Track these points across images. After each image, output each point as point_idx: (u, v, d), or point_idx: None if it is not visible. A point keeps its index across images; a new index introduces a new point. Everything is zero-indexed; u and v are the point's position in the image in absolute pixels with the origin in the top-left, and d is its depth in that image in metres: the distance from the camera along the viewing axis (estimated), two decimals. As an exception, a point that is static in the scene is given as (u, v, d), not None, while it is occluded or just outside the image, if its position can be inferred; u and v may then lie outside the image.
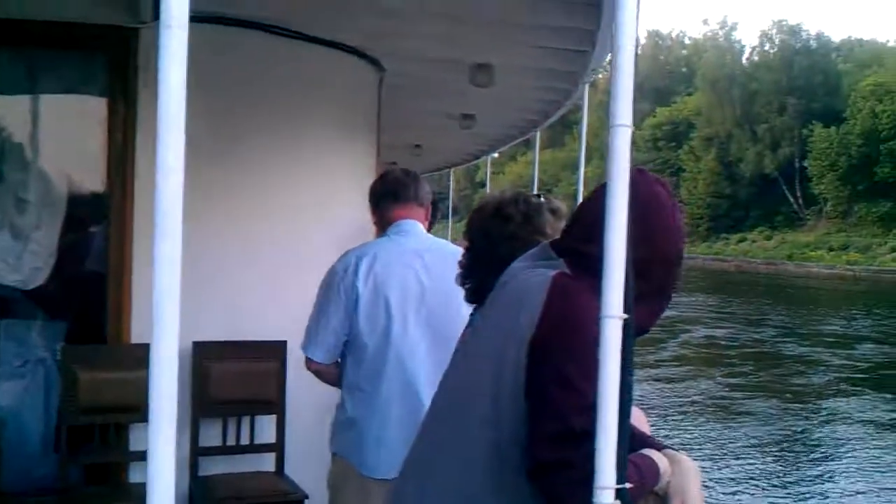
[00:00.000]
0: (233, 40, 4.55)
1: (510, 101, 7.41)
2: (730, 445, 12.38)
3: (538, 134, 9.01)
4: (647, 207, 1.71)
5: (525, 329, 1.69)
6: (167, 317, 1.13)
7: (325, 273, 3.41)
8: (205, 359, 4.56)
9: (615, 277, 1.46)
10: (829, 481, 10.84)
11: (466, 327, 2.45)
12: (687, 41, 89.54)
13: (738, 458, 11.71)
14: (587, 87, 5.82)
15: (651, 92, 79.65)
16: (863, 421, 14.00)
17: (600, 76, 6.69)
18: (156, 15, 3.73)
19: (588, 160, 6.53)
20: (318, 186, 5.07)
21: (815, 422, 14.02)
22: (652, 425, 2.01)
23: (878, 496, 10.19)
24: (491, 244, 2.54)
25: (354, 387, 3.33)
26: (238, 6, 4.38)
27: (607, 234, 1.46)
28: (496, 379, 1.71)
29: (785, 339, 23.71)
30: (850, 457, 11.98)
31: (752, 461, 11.63)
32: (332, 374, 3.45)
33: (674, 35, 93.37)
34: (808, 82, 63.00)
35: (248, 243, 4.72)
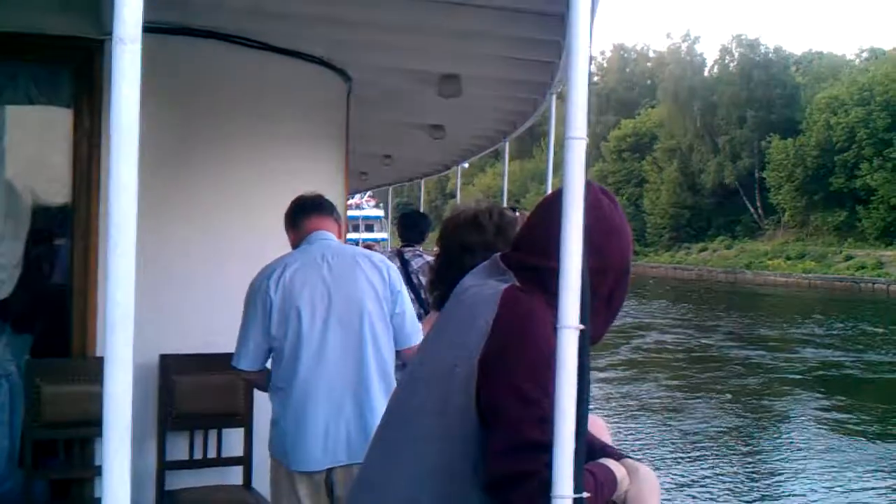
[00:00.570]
0: (196, 51, 4.54)
1: (479, 111, 7.43)
2: (668, 442, 13.24)
3: (507, 144, 9.05)
4: (593, 218, 1.72)
5: (475, 343, 1.69)
6: (122, 330, 1.13)
7: None
8: (172, 372, 4.53)
9: (571, 288, 1.48)
10: (759, 470, 11.86)
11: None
12: (651, 54, 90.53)
13: (675, 452, 12.54)
14: (554, 97, 5.85)
15: (616, 104, 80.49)
16: (790, 417, 15.17)
17: (564, 88, 6.74)
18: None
19: (556, 171, 6.57)
20: (285, 198, 5.04)
21: (749, 419, 14.99)
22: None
23: (796, 477, 11.47)
24: (463, 253, 2.56)
25: (275, 388, 3.55)
26: (201, 17, 4.37)
27: (563, 244, 1.47)
28: (445, 394, 1.71)
29: (731, 344, 24.68)
30: (779, 448, 13.09)
31: (688, 453, 12.55)
32: (261, 379, 3.70)
33: (639, 48, 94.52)
34: (766, 95, 64.16)
35: (215, 256, 4.69)
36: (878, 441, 13.27)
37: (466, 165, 13.56)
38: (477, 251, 2.50)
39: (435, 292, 2.69)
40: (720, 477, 11.32)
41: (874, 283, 46.81)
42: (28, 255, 4.49)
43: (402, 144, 10.34)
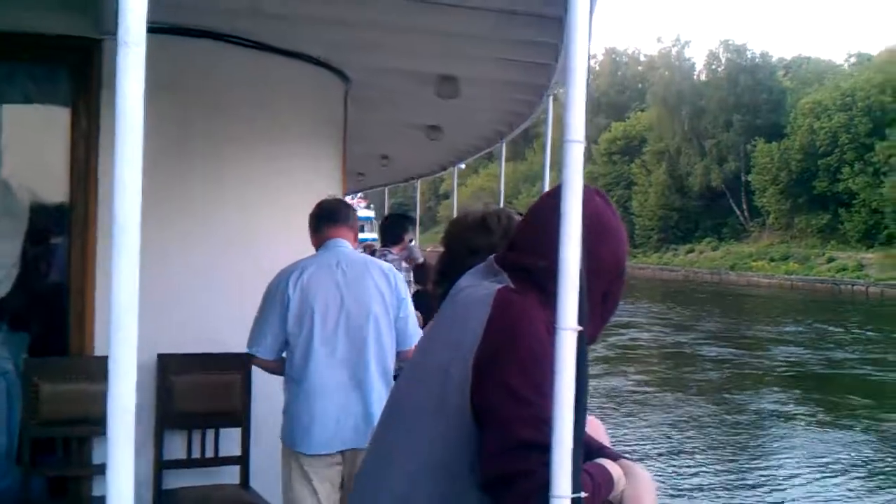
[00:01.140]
0: (195, 51, 4.55)
1: (476, 112, 7.45)
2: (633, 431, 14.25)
3: (504, 146, 9.06)
4: (587, 219, 1.73)
5: (470, 344, 1.70)
6: (126, 330, 1.14)
7: None
8: (169, 371, 4.54)
9: (570, 290, 1.49)
10: (710, 456, 12.98)
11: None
12: (643, 58, 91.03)
13: (641, 440, 13.52)
14: (551, 99, 5.87)
15: (607, 107, 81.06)
16: (747, 409, 16.24)
17: (561, 90, 6.76)
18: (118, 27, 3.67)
19: (551, 172, 6.62)
20: (283, 198, 5.07)
21: (710, 411, 16.08)
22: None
23: (743, 461, 12.70)
24: (468, 255, 2.56)
25: (289, 378, 3.96)
26: (200, 17, 4.38)
27: (561, 247, 1.48)
28: (441, 395, 1.72)
29: (706, 342, 25.43)
30: (731, 437, 14.23)
31: (654, 441, 13.60)
32: (276, 367, 4.05)
33: (630, 52, 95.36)
34: (752, 99, 64.86)
35: (212, 256, 4.71)
36: (828, 430, 14.47)
37: (463, 166, 13.59)
38: (482, 253, 2.51)
39: (438, 292, 2.70)
40: (678, 461, 12.49)
41: (853, 285, 47.91)
42: (25, 254, 4.50)
43: (399, 145, 10.36)
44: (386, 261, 6.35)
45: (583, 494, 1.49)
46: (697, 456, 12.88)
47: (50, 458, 4.33)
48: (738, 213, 64.93)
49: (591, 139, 71.67)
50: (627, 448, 12.22)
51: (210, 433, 4.65)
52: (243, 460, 4.67)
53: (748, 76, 65.97)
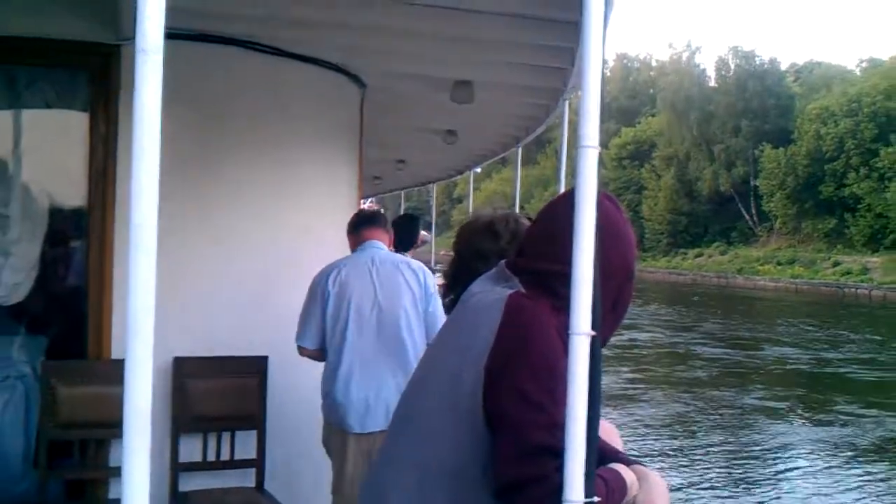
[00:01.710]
0: (212, 57, 4.58)
1: (492, 117, 7.45)
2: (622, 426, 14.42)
3: (520, 150, 9.06)
4: (598, 224, 1.73)
5: (481, 349, 1.70)
6: (142, 333, 1.15)
7: (306, 288, 4.45)
8: (185, 374, 4.56)
9: (583, 295, 1.49)
10: (693, 445, 13.78)
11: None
12: (654, 64, 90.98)
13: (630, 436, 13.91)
14: (567, 103, 5.86)
15: (618, 113, 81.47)
16: (732, 405, 16.94)
17: (576, 94, 6.76)
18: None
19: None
20: (300, 202, 5.09)
21: (694, 407, 16.75)
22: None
23: (721, 452, 13.38)
24: (477, 259, 2.56)
25: (328, 365, 4.39)
26: (217, 23, 4.40)
27: (575, 252, 1.49)
28: (452, 400, 1.73)
29: (702, 343, 26.13)
30: (712, 430, 15.00)
31: (640, 436, 14.13)
32: (319, 356, 4.45)
33: (641, 57, 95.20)
34: (761, 105, 65.41)
35: (229, 259, 4.73)
36: (805, 424, 15.45)
37: (479, 170, 13.60)
38: (491, 258, 2.50)
39: (448, 297, 2.70)
40: (664, 454, 13.08)
41: (857, 289, 48.70)
42: (44, 258, 4.53)
43: (415, 149, 10.37)
44: None
45: (596, 499, 1.50)
46: (680, 449, 13.63)
47: (67, 460, 4.36)
48: (747, 217, 65.43)
49: (601, 144, 72.18)
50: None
51: (226, 436, 4.67)
52: (259, 463, 4.68)
53: (757, 82, 66.41)
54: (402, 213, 22.22)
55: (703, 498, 11.08)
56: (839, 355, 24.05)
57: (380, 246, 4.54)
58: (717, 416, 15.97)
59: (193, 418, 4.59)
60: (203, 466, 4.61)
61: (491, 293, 1.82)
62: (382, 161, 11.49)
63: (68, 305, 4.69)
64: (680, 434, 14.50)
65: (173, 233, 4.39)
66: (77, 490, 4.46)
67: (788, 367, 22.26)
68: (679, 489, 11.22)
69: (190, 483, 4.53)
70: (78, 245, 4.63)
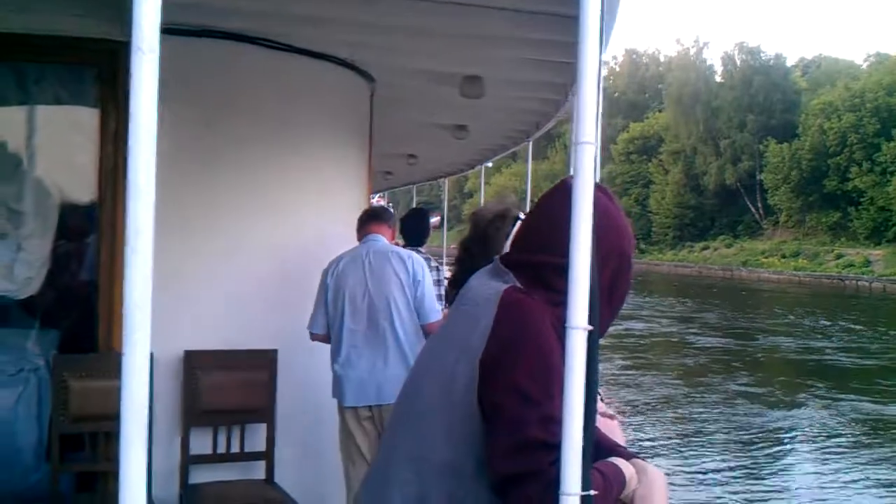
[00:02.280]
0: (220, 53, 4.59)
1: (502, 111, 7.44)
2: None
3: (531, 144, 9.04)
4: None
5: (476, 344, 1.70)
6: (139, 330, 1.17)
7: (314, 282, 4.85)
8: (196, 368, 4.59)
9: (580, 289, 1.50)
10: (682, 431, 14.62)
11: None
12: (662, 59, 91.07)
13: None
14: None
15: (626, 107, 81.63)
16: (716, 389, 18.05)
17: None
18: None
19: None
20: (309, 197, 5.11)
21: (681, 391, 17.85)
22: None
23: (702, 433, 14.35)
24: (485, 252, 2.57)
25: (332, 348, 4.85)
26: (224, 19, 4.42)
27: (573, 247, 1.49)
28: (449, 394, 1.73)
29: (698, 332, 27.09)
30: (696, 413, 15.97)
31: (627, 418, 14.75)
32: (326, 340, 4.88)
33: (650, 53, 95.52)
34: (767, 100, 65.98)
35: (239, 254, 4.76)
36: (784, 407, 16.34)
37: (490, 165, 13.58)
38: (499, 251, 2.50)
39: (453, 291, 2.72)
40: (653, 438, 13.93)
41: (858, 281, 49.57)
42: (55, 253, 4.56)
43: (426, 144, 10.37)
44: None
45: (592, 492, 1.50)
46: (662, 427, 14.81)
47: (78, 453, 4.39)
48: (753, 210, 66.14)
49: (609, 139, 73.04)
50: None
51: (236, 429, 4.70)
52: (268, 456, 4.72)
53: (762, 77, 66.86)
54: (413, 207, 22.27)
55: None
56: (830, 344, 24.83)
57: (378, 238, 4.94)
58: (700, 399, 17.02)
59: (204, 411, 4.62)
60: (213, 459, 4.64)
61: (487, 288, 1.82)
62: (393, 156, 11.50)
63: (80, 299, 4.72)
64: (667, 416, 15.58)
65: (182, 229, 4.42)
66: (88, 482, 4.50)
67: (776, 355, 23.27)
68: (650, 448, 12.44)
69: (200, 475, 4.57)
70: (89, 240, 4.66)
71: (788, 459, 13.15)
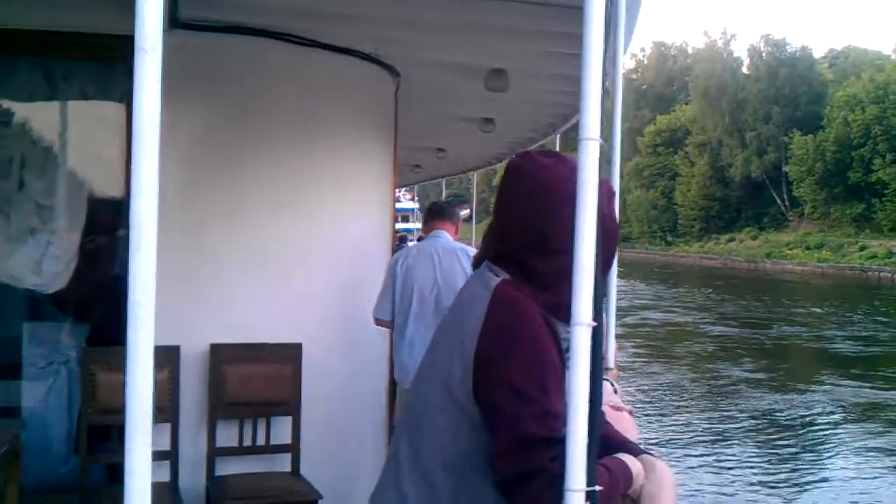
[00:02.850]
0: (246, 49, 4.61)
1: (528, 104, 7.42)
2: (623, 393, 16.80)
3: (558, 137, 9.01)
4: (542, 188, 1.75)
5: (469, 341, 1.70)
6: (143, 328, 1.18)
7: (340, 277, 5.11)
8: (222, 361, 4.64)
9: (584, 286, 1.50)
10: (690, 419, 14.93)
11: None
12: (690, 51, 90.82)
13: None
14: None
15: (654, 100, 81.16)
16: (721, 375, 18.59)
17: (610, 82, 6.70)
18: (172, 24, 3.81)
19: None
20: (334, 192, 5.13)
21: (689, 377, 18.39)
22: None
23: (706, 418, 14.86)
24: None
25: (396, 334, 5.28)
26: (249, 15, 4.45)
27: (577, 243, 1.49)
28: (447, 392, 1.73)
29: (714, 322, 27.65)
30: (701, 397, 16.61)
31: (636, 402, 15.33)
32: (389, 326, 5.34)
33: (678, 45, 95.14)
34: (792, 92, 66.14)
35: (265, 248, 4.78)
36: (786, 392, 16.86)
37: (518, 158, 13.55)
38: None
39: None
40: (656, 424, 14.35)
41: (880, 272, 49.79)
42: (85, 247, 4.61)
43: (454, 138, 10.37)
44: None
45: (598, 488, 1.49)
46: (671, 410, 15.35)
47: (107, 444, 4.45)
48: (779, 202, 66.22)
49: (636, 131, 72.73)
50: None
51: (262, 421, 4.74)
52: (294, 448, 4.75)
53: (788, 69, 66.79)
54: (442, 199, 22.33)
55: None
56: (837, 332, 25.35)
57: (442, 235, 5.41)
58: (707, 385, 17.57)
59: (230, 404, 4.66)
60: (239, 451, 4.69)
61: (479, 284, 1.81)
62: (422, 149, 11.51)
63: (109, 293, 4.78)
64: (673, 406, 15.84)
65: (208, 224, 4.47)
66: (118, 473, 4.54)
67: (784, 342, 23.94)
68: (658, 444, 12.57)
69: (226, 468, 4.61)
70: (117, 234, 4.72)
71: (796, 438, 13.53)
